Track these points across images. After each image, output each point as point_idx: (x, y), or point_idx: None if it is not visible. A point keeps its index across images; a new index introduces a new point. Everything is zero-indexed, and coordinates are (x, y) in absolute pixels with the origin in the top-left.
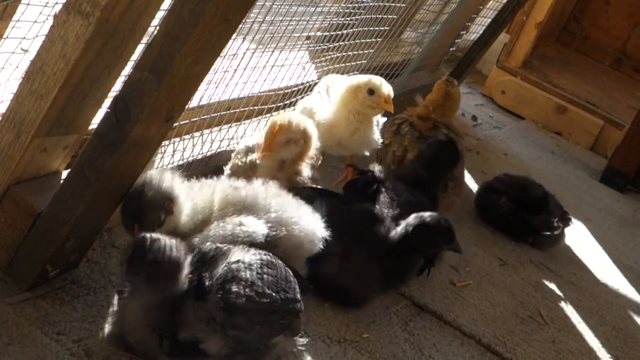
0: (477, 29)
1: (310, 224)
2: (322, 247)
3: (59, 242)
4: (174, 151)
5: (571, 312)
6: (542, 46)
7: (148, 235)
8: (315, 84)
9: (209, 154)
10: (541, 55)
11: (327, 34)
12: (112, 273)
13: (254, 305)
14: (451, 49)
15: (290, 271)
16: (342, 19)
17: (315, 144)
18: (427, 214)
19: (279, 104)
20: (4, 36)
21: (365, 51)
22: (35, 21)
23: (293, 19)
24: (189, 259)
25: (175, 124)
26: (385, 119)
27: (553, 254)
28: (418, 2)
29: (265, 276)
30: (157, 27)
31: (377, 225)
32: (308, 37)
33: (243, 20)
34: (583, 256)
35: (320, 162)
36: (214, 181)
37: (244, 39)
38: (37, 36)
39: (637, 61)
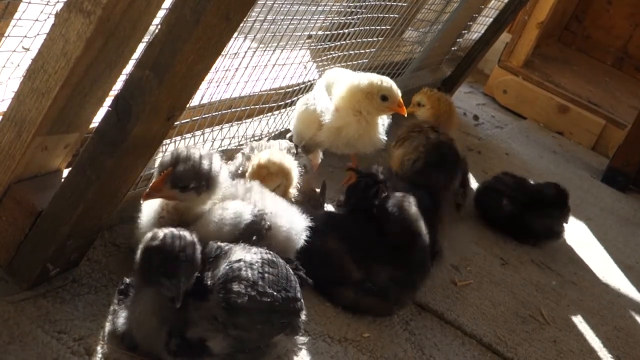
0: (478, 29)
1: (292, 217)
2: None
3: (60, 241)
4: None
5: (572, 312)
6: (543, 46)
7: (169, 231)
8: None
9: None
10: (543, 55)
11: (328, 33)
12: (113, 272)
13: (255, 305)
14: (453, 49)
15: (290, 270)
16: (344, 18)
17: (296, 176)
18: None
19: (280, 103)
20: (6, 34)
21: (367, 50)
22: (37, 19)
23: (294, 17)
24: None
25: (176, 123)
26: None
27: (554, 254)
28: (420, 1)
29: (266, 275)
30: (159, 26)
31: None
32: (309, 36)
33: (244, 19)
34: (584, 256)
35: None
36: None
37: (245, 37)
38: (38, 34)
39: (638, 61)
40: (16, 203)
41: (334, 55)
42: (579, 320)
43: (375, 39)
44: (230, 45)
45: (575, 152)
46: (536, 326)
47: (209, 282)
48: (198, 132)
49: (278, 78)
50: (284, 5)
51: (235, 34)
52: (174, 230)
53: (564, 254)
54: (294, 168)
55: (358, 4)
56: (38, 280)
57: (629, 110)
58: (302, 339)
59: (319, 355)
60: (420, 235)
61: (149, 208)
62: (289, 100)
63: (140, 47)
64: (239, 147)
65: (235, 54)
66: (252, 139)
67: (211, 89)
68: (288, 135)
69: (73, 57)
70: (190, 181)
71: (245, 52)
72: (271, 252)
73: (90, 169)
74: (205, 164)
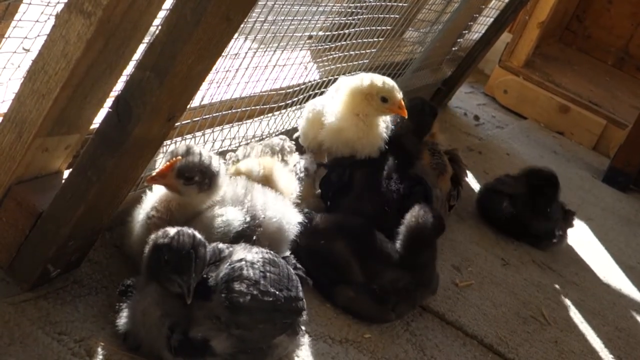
0: (479, 29)
1: (284, 209)
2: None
3: (61, 242)
4: None
5: (573, 313)
6: (544, 45)
7: (179, 229)
8: (317, 83)
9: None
10: (543, 55)
11: (329, 33)
12: (114, 273)
13: (258, 304)
14: (453, 49)
15: (291, 269)
16: (344, 18)
17: (282, 180)
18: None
19: (280, 104)
20: (6, 36)
21: (368, 51)
22: (37, 21)
23: (295, 18)
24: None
25: (177, 124)
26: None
27: (555, 254)
28: (420, 1)
29: (268, 274)
30: (159, 27)
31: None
32: (310, 37)
33: (245, 20)
34: (585, 256)
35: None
36: None
37: (246, 38)
38: (38, 36)
39: (639, 60)
40: (17, 204)
41: (334, 55)
42: (580, 321)
43: (375, 39)
44: (231, 46)
45: (576, 152)
46: (537, 327)
47: (211, 282)
48: (198, 133)
49: (278, 79)
50: (284, 6)
51: (236, 35)
52: (184, 228)
53: (565, 255)
54: (278, 174)
55: (359, 4)
56: (39, 282)
57: (630, 110)
58: (303, 339)
59: (320, 356)
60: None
61: (139, 209)
62: (290, 101)
63: (141, 48)
64: (238, 148)
65: (236, 54)
66: (252, 140)
67: (212, 89)
68: (295, 135)
69: (73, 58)
70: (195, 174)
71: (246, 53)
72: (272, 252)
73: (90, 170)
74: (213, 164)
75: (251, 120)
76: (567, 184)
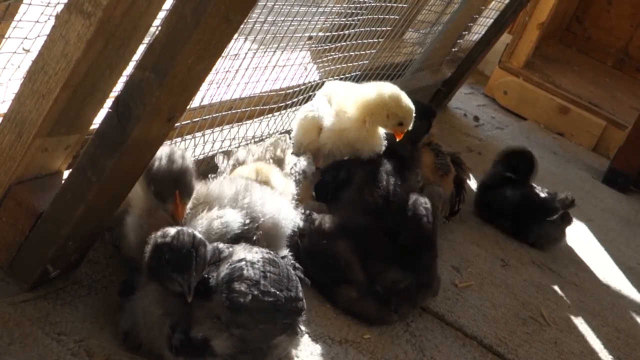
0: (479, 30)
1: (280, 206)
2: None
3: (60, 242)
4: None
5: (573, 313)
6: (544, 46)
7: (179, 228)
8: (317, 84)
9: (210, 154)
10: (543, 56)
11: (329, 34)
12: (114, 273)
13: (258, 304)
14: (453, 50)
15: (291, 269)
16: (344, 19)
17: (279, 186)
18: None
19: (280, 104)
20: (6, 36)
21: (367, 51)
22: (37, 21)
23: (295, 19)
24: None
25: (176, 124)
26: None
27: (555, 255)
28: (420, 2)
29: (268, 274)
30: (159, 27)
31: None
32: (310, 38)
33: (245, 20)
34: (585, 257)
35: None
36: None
37: (246, 39)
38: (38, 36)
39: (639, 61)
40: (17, 204)
41: (334, 56)
42: (579, 322)
43: (375, 40)
44: (231, 46)
45: (576, 153)
46: (537, 327)
47: (212, 282)
48: (198, 134)
49: (278, 79)
50: (284, 7)
51: (236, 35)
52: (184, 228)
53: (565, 255)
54: (275, 180)
55: (358, 5)
56: (38, 282)
57: (629, 111)
58: (303, 340)
59: (319, 357)
60: (432, 242)
61: (131, 216)
62: (290, 102)
63: (141, 49)
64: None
65: (236, 55)
66: (252, 141)
67: (211, 90)
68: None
69: (73, 58)
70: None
71: (246, 54)
72: (272, 252)
73: (90, 171)
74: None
75: (251, 120)
76: (567, 185)
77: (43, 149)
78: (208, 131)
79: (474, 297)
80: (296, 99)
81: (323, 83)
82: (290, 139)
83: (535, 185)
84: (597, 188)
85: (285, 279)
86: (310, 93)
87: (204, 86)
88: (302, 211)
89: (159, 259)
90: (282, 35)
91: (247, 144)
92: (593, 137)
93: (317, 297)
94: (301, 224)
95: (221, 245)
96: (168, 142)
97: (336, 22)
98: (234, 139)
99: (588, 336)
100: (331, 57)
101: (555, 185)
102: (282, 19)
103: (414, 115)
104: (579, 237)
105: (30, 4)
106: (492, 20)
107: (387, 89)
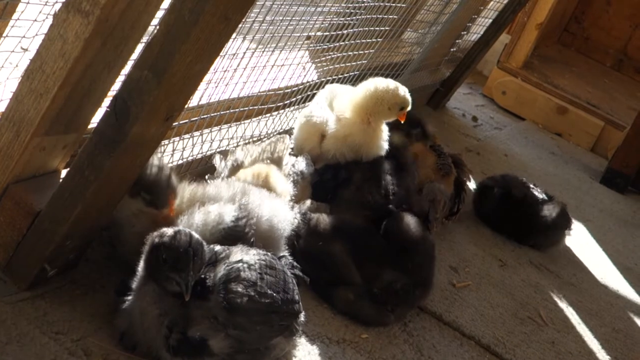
0: (477, 30)
1: (278, 207)
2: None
3: (58, 241)
4: (173, 150)
5: (571, 313)
6: (543, 47)
7: (176, 228)
8: (316, 83)
9: (208, 153)
10: (542, 56)
11: (327, 33)
12: (111, 273)
13: (255, 305)
14: (452, 50)
15: (288, 272)
16: (343, 18)
17: (279, 188)
18: None
19: (278, 104)
20: (4, 35)
21: (366, 51)
22: (35, 20)
23: (293, 18)
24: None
25: (174, 123)
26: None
27: (553, 255)
28: (419, 2)
29: (265, 276)
30: (157, 26)
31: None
32: (308, 37)
33: (243, 20)
34: (583, 257)
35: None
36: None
37: (244, 38)
38: (36, 35)
39: (638, 62)
40: (14, 203)
41: (332, 56)
42: (577, 322)
43: (374, 40)
44: (229, 45)
45: (574, 153)
46: (535, 327)
47: (209, 283)
48: (197, 133)
49: (277, 79)
50: (282, 6)
51: (234, 35)
52: (181, 228)
53: (563, 256)
54: (274, 181)
55: (357, 4)
56: (36, 281)
57: (628, 112)
58: (300, 340)
59: (317, 357)
60: (422, 241)
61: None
62: (288, 101)
63: (139, 48)
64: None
65: (234, 54)
66: (250, 140)
67: (210, 89)
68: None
69: (71, 57)
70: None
71: (244, 53)
72: (269, 254)
73: (88, 170)
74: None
75: (249, 120)
76: (565, 186)
77: (41, 147)
78: (206, 130)
79: (472, 297)
80: (294, 99)
81: (321, 83)
82: (289, 138)
83: (533, 186)
84: (595, 188)
85: (282, 281)
86: (309, 93)
87: (202, 85)
88: (299, 211)
89: (156, 258)
90: (280, 34)
91: (246, 144)
92: (591, 138)
93: (314, 297)
94: (298, 224)
95: (218, 247)
96: (166, 141)
97: (335, 22)
98: (232, 138)
99: (586, 336)
100: (329, 56)
101: (554, 186)
102: (281, 18)
103: (409, 94)
104: (577, 238)
105: (28, 2)
106: (490, 21)
107: (376, 85)
